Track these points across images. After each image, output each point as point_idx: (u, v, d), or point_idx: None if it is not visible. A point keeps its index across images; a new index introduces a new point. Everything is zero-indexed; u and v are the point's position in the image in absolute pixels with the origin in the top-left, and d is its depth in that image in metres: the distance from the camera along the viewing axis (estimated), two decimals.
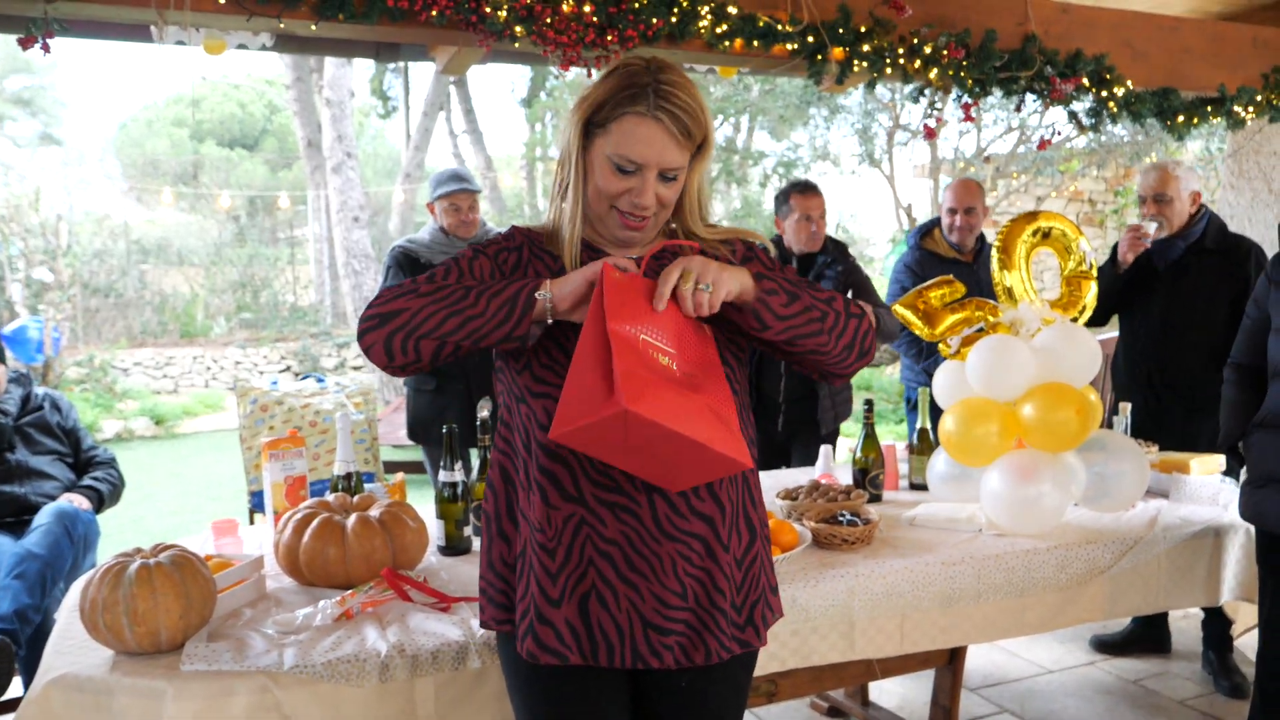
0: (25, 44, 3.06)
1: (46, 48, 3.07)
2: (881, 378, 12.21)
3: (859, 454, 3.26)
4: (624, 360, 1.56)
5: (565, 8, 3.29)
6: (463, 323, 1.69)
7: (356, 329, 1.78)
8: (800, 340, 1.76)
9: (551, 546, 1.75)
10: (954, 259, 4.50)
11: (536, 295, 1.68)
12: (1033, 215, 3.18)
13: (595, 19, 3.33)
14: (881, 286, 10.79)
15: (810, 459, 4.29)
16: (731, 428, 1.65)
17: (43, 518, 3.43)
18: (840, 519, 2.77)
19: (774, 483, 3.42)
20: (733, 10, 3.52)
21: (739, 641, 1.83)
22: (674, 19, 3.44)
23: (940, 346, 3.24)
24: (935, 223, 4.61)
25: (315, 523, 2.43)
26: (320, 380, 4.30)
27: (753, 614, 1.85)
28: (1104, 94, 4.19)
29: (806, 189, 4.12)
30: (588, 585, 1.74)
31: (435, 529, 2.74)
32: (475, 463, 2.89)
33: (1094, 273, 3.20)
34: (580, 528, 1.74)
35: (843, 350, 1.82)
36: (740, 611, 1.83)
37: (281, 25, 3.20)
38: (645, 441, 1.56)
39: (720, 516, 1.76)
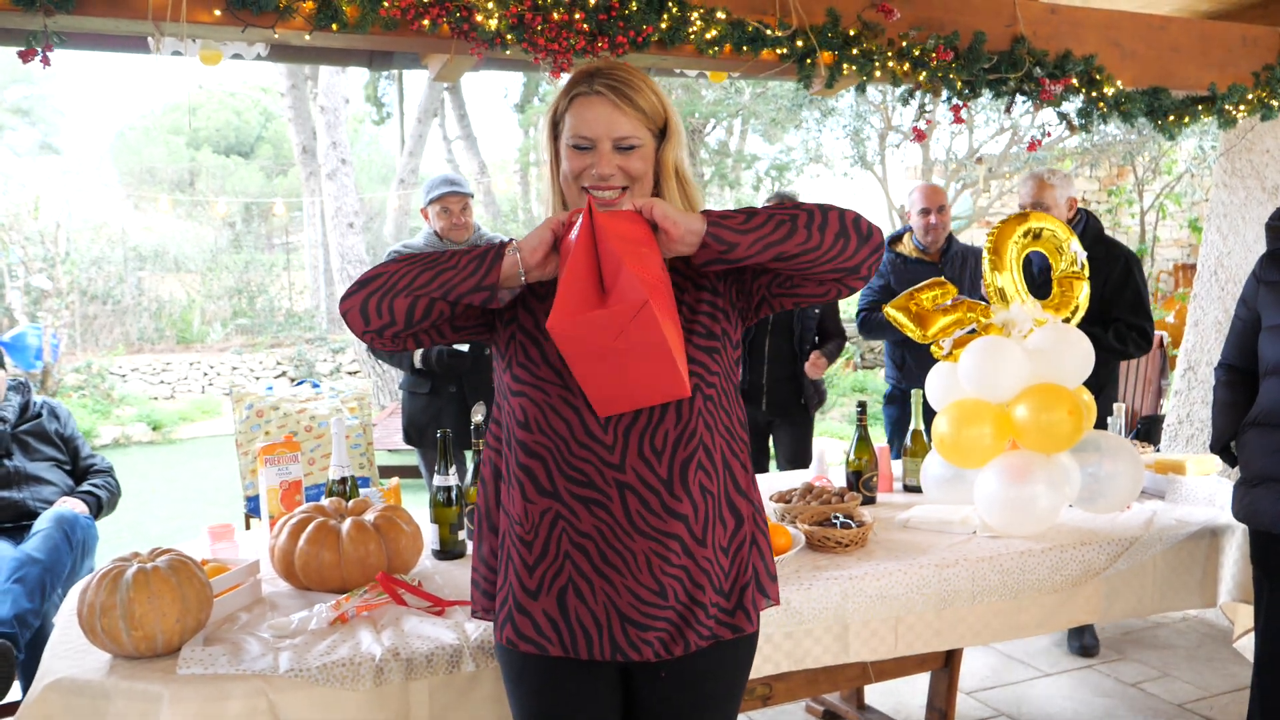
0: (25, 57, 3.06)
1: (46, 60, 3.07)
2: (876, 379, 12.22)
3: (852, 456, 3.27)
4: (634, 265, 1.61)
5: (556, 15, 3.30)
6: (435, 275, 1.77)
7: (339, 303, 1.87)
8: (780, 246, 1.73)
9: (529, 539, 1.80)
10: (919, 259, 4.74)
11: (506, 251, 1.76)
12: (1023, 216, 3.19)
13: (585, 26, 3.34)
14: None
15: (792, 440, 4.71)
16: (684, 360, 1.72)
17: (42, 523, 3.44)
18: (834, 521, 2.78)
19: (767, 485, 3.43)
20: (721, 16, 3.54)
21: (729, 626, 1.85)
22: (664, 25, 3.45)
23: (933, 348, 3.24)
24: (905, 230, 4.89)
25: (310, 527, 2.44)
26: (315, 385, 4.31)
27: (742, 598, 1.86)
28: (1094, 94, 4.20)
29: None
30: (565, 579, 1.79)
31: (430, 533, 2.75)
32: (470, 466, 2.90)
33: (1085, 273, 3.21)
34: (556, 521, 1.78)
35: (836, 241, 1.76)
36: (728, 597, 1.85)
37: (276, 35, 3.20)
38: (629, 345, 1.62)
39: (694, 514, 1.78)
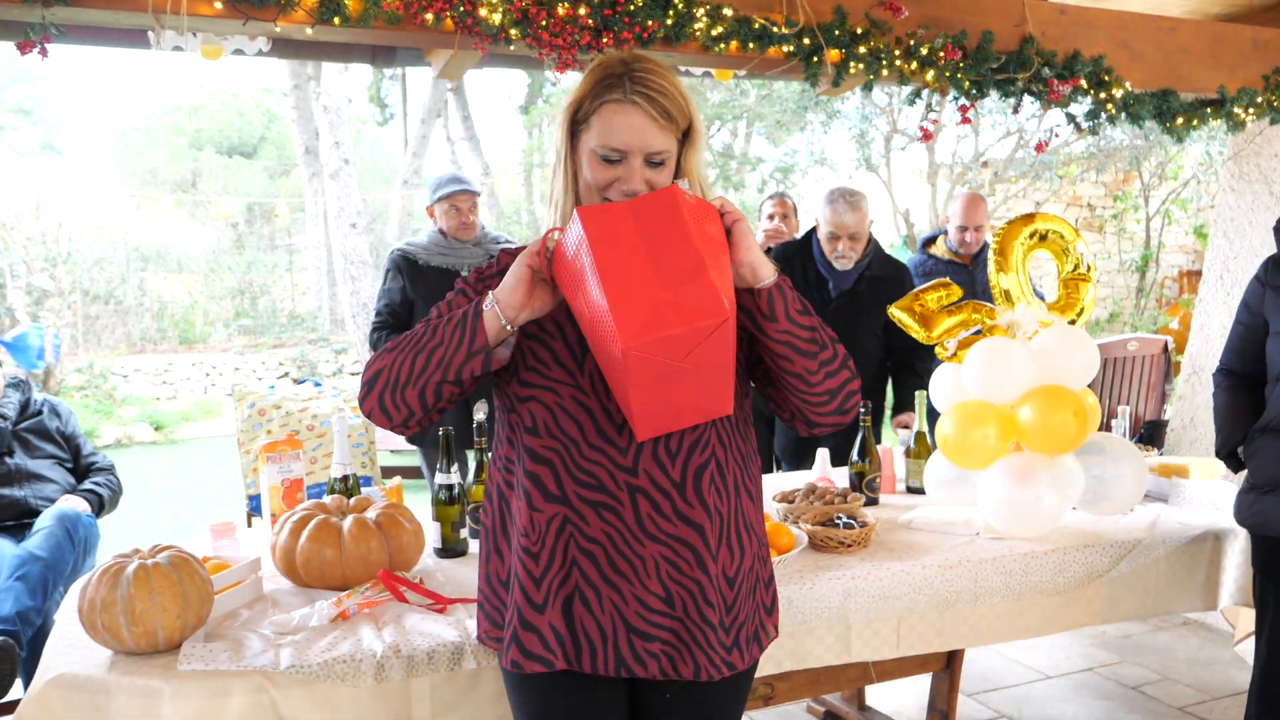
0: (23, 49, 3.05)
1: (44, 52, 3.06)
2: None
3: (855, 458, 3.26)
4: (715, 271, 1.53)
5: (560, 10, 3.29)
6: (428, 357, 1.72)
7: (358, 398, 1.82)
8: (792, 355, 1.72)
9: (535, 550, 1.75)
10: (951, 260, 4.92)
11: (484, 306, 1.70)
12: (1030, 217, 3.18)
13: (590, 22, 3.33)
14: None
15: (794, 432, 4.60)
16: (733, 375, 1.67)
17: (44, 521, 3.44)
18: (836, 522, 2.77)
19: (770, 486, 3.42)
20: (728, 12, 3.52)
21: (727, 664, 1.80)
22: (669, 21, 3.44)
23: (937, 349, 3.23)
24: (940, 233, 5.09)
25: (312, 524, 2.43)
26: (318, 384, 4.30)
27: (739, 636, 1.81)
28: (1102, 96, 4.18)
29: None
30: (571, 587, 1.75)
31: (432, 531, 2.74)
32: (471, 465, 2.89)
33: (1092, 275, 3.20)
34: (564, 527, 1.74)
35: (824, 394, 1.77)
36: (729, 632, 1.80)
37: (278, 29, 3.19)
38: (695, 364, 1.55)
39: (709, 525, 1.75)
